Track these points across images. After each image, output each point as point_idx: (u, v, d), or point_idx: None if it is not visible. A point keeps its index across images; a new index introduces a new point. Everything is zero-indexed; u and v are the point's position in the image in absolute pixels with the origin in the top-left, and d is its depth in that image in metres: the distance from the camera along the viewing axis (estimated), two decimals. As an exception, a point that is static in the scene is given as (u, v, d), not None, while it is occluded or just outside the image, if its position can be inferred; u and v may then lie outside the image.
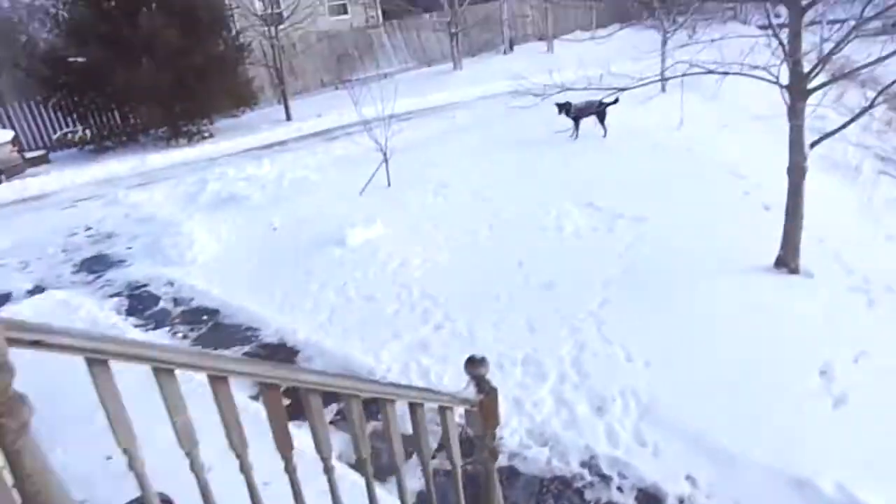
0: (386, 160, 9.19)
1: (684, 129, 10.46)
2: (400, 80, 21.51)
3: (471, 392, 2.35)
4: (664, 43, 12.83)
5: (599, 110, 10.31)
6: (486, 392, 2.34)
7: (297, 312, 6.03)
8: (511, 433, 4.06)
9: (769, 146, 9.53)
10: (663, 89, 13.60)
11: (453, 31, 21.33)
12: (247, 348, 5.65)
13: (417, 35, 23.92)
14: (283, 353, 5.47)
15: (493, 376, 4.70)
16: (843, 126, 5.01)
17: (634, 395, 4.15)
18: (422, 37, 23.91)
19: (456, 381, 4.70)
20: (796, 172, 5.01)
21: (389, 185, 9.20)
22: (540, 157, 9.70)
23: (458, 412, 2.70)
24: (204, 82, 15.21)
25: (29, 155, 15.99)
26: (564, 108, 10.34)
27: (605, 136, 10.38)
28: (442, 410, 2.32)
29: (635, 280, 5.55)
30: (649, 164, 8.70)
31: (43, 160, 15.96)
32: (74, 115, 16.50)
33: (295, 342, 5.56)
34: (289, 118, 18.01)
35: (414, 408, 2.20)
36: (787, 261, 5.29)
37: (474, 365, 2.32)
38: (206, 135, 17.01)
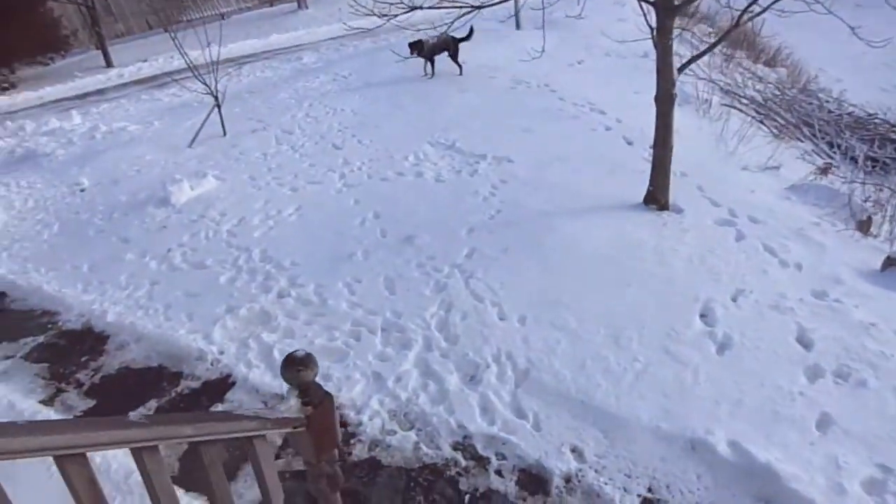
0: (218, 105, 7.99)
1: (542, 65, 10.09)
2: (239, 21, 19.61)
3: (292, 407, 1.62)
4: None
5: (453, 46, 9.65)
6: (316, 403, 1.63)
7: (109, 289, 4.93)
8: (371, 416, 3.40)
9: (623, 82, 9.42)
10: (518, 26, 13.26)
11: (296, -36, 19.63)
12: (41, 339, 4.53)
13: (257, -30, 21.83)
14: (88, 340, 4.43)
15: (349, 348, 4.05)
16: (713, 46, 4.70)
17: (510, 358, 3.63)
18: (262, -28, 21.85)
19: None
20: (665, 99, 4.66)
21: (225, 133, 8.05)
22: (395, 98, 8.91)
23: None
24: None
25: None
26: (416, 46, 9.56)
27: (460, 73, 9.77)
28: (249, 442, 1.57)
29: (502, 225, 5.03)
30: (510, 103, 8.22)
31: None
32: None
33: (104, 326, 4.52)
34: (109, 64, 15.80)
35: (203, 447, 1.43)
36: (657, 196, 5.00)
37: (294, 366, 1.59)
38: (5, 85, 14.45)
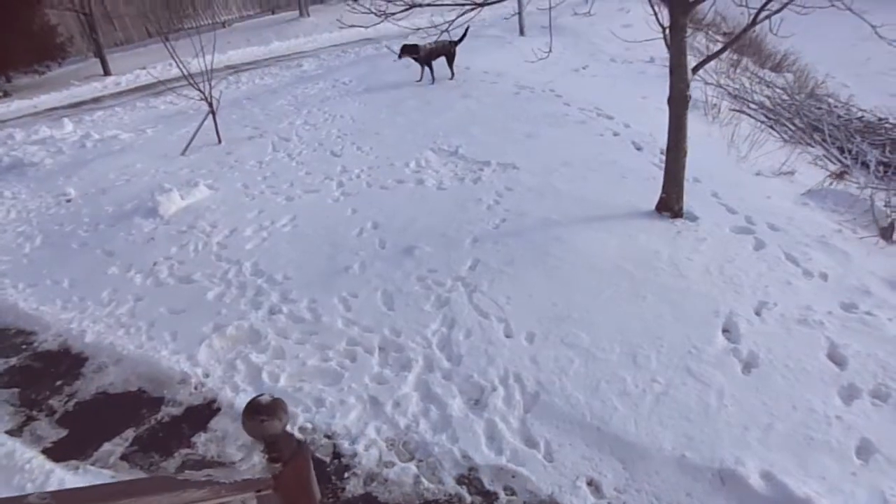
0: (213, 112, 7.74)
1: (546, 71, 9.86)
2: (241, 29, 19.46)
3: (256, 466, 1.33)
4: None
5: (450, 50, 9.42)
6: (287, 459, 1.34)
7: (90, 306, 4.66)
8: (367, 446, 3.12)
9: (630, 87, 9.19)
10: (522, 32, 13.07)
11: (297, -28, 19.50)
12: (13, 361, 4.26)
13: (258, -22, 21.67)
14: (64, 363, 4.15)
15: (344, 369, 3.76)
16: (730, 43, 4.45)
17: (518, 380, 3.34)
18: (263, -20, 21.70)
19: (296, 380, 3.69)
20: (679, 101, 4.39)
21: (220, 141, 7.80)
22: (396, 104, 8.66)
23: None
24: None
25: None
26: (410, 50, 9.31)
27: (452, 77, 9.54)
28: None
29: (507, 235, 4.75)
30: (514, 108, 7.97)
31: None
32: None
33: (82, 347, 4.24)
34: (106, 73, 15.59)
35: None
36: (670, 203, 4.72)
37: (258, 416, 1.30)
38: (0, 93, 14.25)
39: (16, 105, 12.70)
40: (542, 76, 9.51)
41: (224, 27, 20.81)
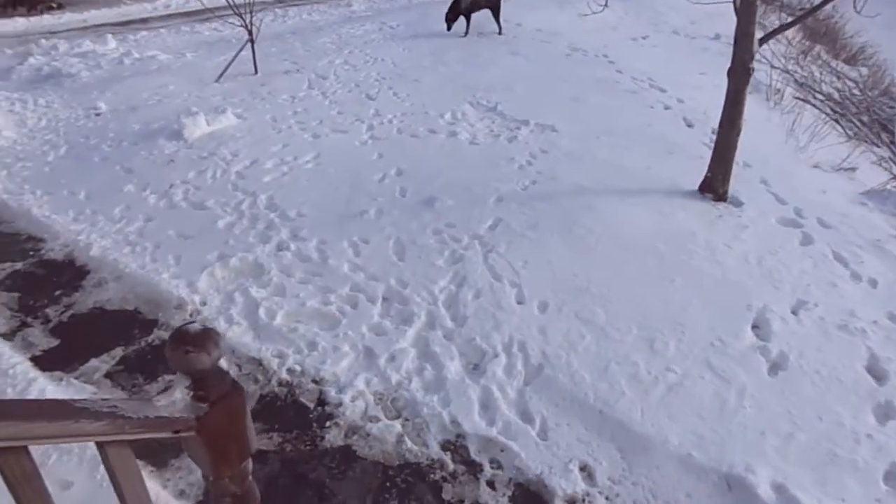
0: (252, 41, 7.52)
1: (603, 36, 9.40)
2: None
3: (178, 402, 1.13)
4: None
5: (495, 3, 8.96)
6: (216, 399, 1.14)
7: (101, 220, 4.55)
8: (354, 397, 2.95)
9: (689, 62, 8.66)
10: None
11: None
12: (19, 265, 4.18)
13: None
14: (67, 273, 4.06)
15: (343, 315, 3.59)
16: (807, 14, 4.04)
17: (523, 350, 3.12)
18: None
19: (293, 320, 3.53)
20: (740, 73, 4.00)
21: (256, 72, 7.60)
22: (441, 53, 8.32)
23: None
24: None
25: None
26: (454, 8, 8.89)
27: (499, 33, 9.11)
28: (102, 449, 1.08)
29: (535, 198, 4.48)
30: (562, 70, 7.58)
31: None
32: None
33: (86, 260, 4.14)
34: (159, -7, 15.41)
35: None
36: (714, 185, 4.38)
37: (182, 346, 1.09)
38: (55, 5, 14.25)
39: (66, 17, 12.67)
40: (597, 40, 9.06)
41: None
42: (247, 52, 7.57)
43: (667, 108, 6.42)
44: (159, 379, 3.15)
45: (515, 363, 3.05)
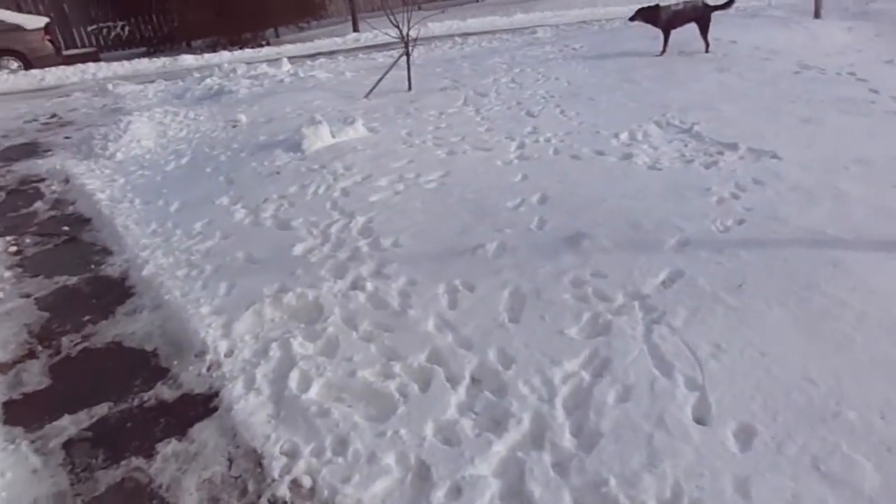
0: (408, 54, 6.75)
1: (846, 56, 7.35)
2: (489, 5, 18.82)
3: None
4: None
5: (703, 15, 7.25)
6: None
7: (176, 235, 3.83)
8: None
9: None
10: (817, 14, 10.32)
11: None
12: (72, 280, 3.54)
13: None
14: (110, 294, 3.35)
15: (405, 398, 2.03)
16: None
17: None
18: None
19: (331, 396, 2.33)
20: None
21: (410, 88, 6.78)
22: (628, 71, 6.87)
23: None
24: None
25: (75, 51, 15.34)
26: (647, 13, 7.35)
27: (706, 50, 7.36)
28: None
29: (742, 245, 2.89)
30: (788, 88, 5.75)
31: (92, 57, 14.87)
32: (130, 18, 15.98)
33: (136, 280, 3.40)
34: (356, 30, 16.02)
35: None
36: None
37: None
38: (262, 42, 15.42)
39: (265, 51, 13.30)
40: (837, 59, 7.03)
41: (476, 1, 20.50)
42: (404, 70, 6.82)
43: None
44: (121, 464, 2.14)
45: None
